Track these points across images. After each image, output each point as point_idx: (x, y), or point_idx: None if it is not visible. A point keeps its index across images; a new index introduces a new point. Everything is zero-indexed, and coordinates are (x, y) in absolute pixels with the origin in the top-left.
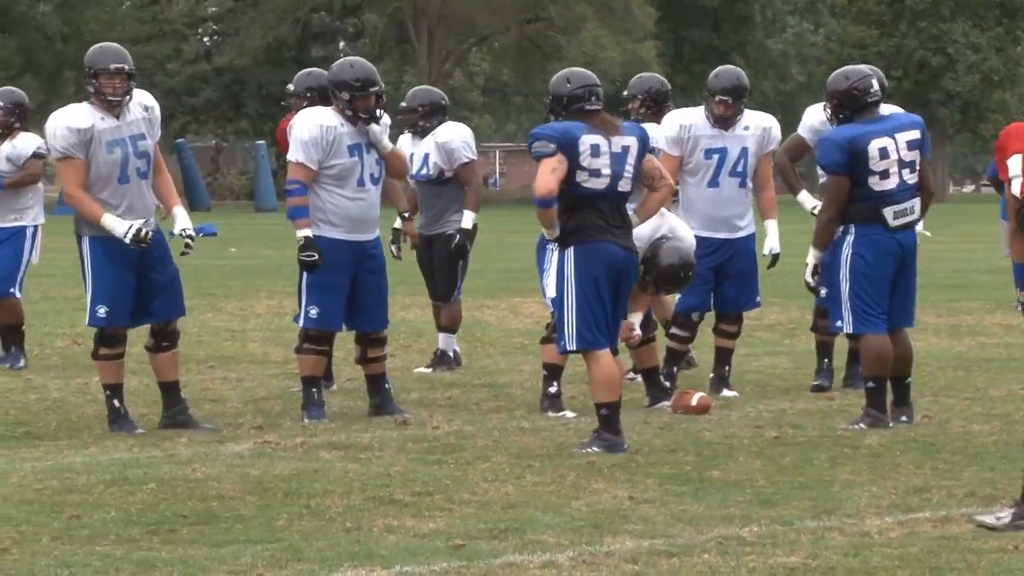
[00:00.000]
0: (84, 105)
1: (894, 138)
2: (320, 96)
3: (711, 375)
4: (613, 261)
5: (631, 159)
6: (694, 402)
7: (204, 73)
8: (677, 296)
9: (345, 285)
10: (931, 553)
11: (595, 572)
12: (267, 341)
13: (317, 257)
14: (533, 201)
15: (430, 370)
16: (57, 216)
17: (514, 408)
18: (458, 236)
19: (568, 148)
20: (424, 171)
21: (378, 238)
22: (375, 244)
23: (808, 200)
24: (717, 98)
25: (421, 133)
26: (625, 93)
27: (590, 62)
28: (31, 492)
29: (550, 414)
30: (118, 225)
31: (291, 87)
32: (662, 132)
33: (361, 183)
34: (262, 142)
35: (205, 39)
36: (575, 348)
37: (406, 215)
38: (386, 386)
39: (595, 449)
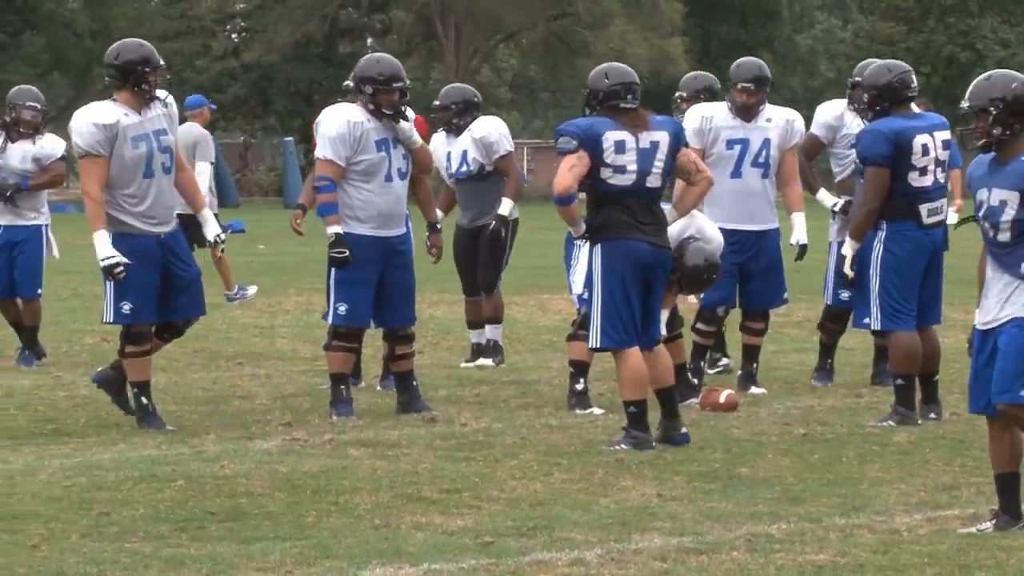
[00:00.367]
0: (107, 102)
1: (933, 136)
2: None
3: (739, 372)
4: (641, 258)
5: (661, 154)
6: (722, 399)
7: (232, 69)
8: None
9: (373, 281)
10: (960, 550)
11: (623, 570)
12: (296, 338)
13: (348, 253)
14: (552, 199)
15: (474, 363)
16: (83, 215)
17: (542, 405)
18: (494, 222)
19: (591, 145)
20: (464, 168)
21: (406, 234)
22: (403, 240)
23: (828, 198)
24: (740, 86)
25: (455, 131)
26: (678, 94)
27: (618, 58)
28: (60, 489)
29: (578, 411)
30: (103, 248)
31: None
32: (685, 124)
33: (388, 178)
34: (290, 138)
35: (233, 35)
36: (600, 346)
37: (438, 226)
38: (414, 383)
39: (623, 447)
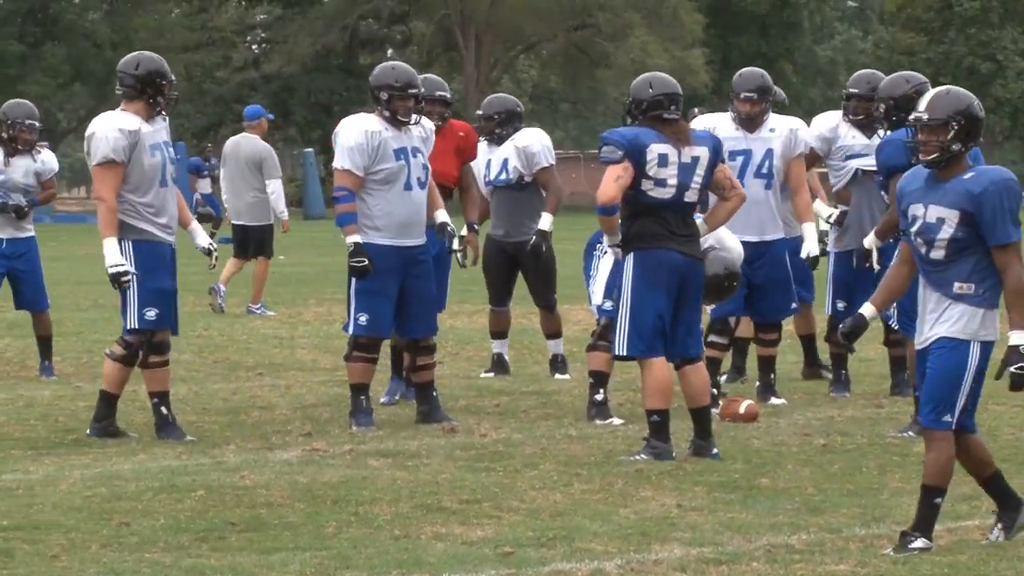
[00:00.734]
0: (123, 111)
1: None
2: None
3: (757, 383)
4: (674, 268)
5: (700, 169)
6: (742, 410)
7: (252, 81)
8: None
9: (393, 291)
10: (980, 561)
11: None
12: (316, 348)
13: (367, 263)
14: (595, 208)
15: (564, 376)
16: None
17: (562, 416)
18: (534, 237)
19: (635, 156)
20: (503, 176)
21: (426, 244)
22: (423, 250)
23: (824, 209)
24: (743, 95)
25: (497, 140)
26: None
27: (638, 69)
28: (80, 499)
29: (597, 422)
30: (113, 255)
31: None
32: None
33: (408, 187)
34: (310, 150)
35: (254, 47)
36: (626, 354)
37: (475, 227)
38: (434, 394)
39: (643, 456)
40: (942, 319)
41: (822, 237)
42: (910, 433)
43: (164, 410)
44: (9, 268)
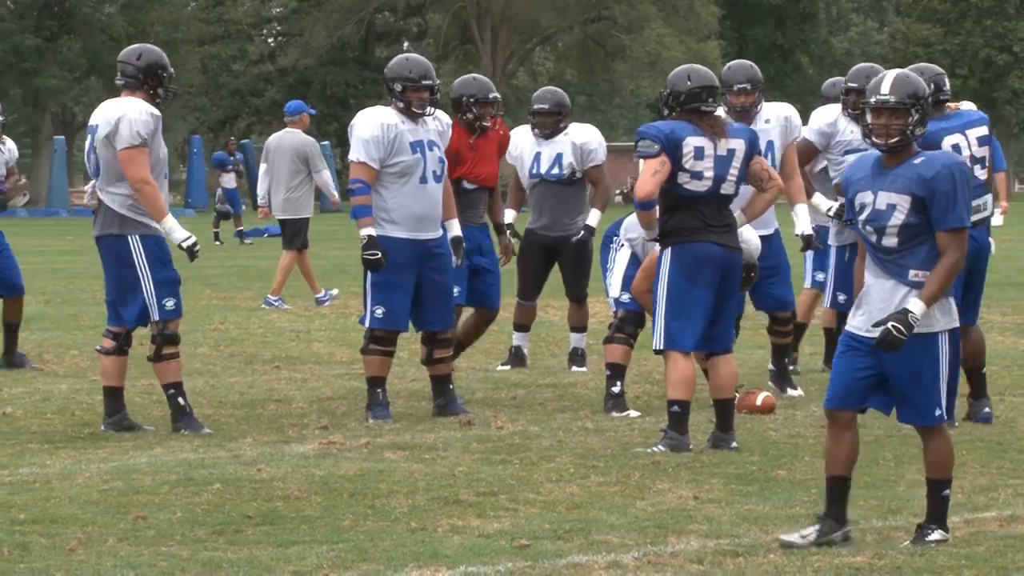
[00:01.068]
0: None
1: (965, 135)
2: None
3: (770, 368)
4: (713, 260)
5: (737, 162)
6: (759, 402)
7: (268, 74)
8: None
9: (410, 284)
10: (997, 552)
11: (660, 572)
12: (332, 341)
13: (380, 255)
14: (633, 203)
15: (582, 369)
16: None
17: (579, 408)
18: (583, 232)
19: (672, 150)
20: (555, 170)
21: (442, 237)
22: (439, 243)
23: (823, 202)
24: (736, 88)
25: (550, 134)
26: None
27: (653, 61)
28: (97, 493)
29: (614, 414)
30: (178, 231)
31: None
32: None
33: (423, 180)
34: (326, 143)
35: (269, 40)
36: (662, 347)
37: (511, 226)
38: (450, 386)
39: (661, 448)
40: (900, 308)
41: (823, 238)
42: None
43: (182, 400)
44: None
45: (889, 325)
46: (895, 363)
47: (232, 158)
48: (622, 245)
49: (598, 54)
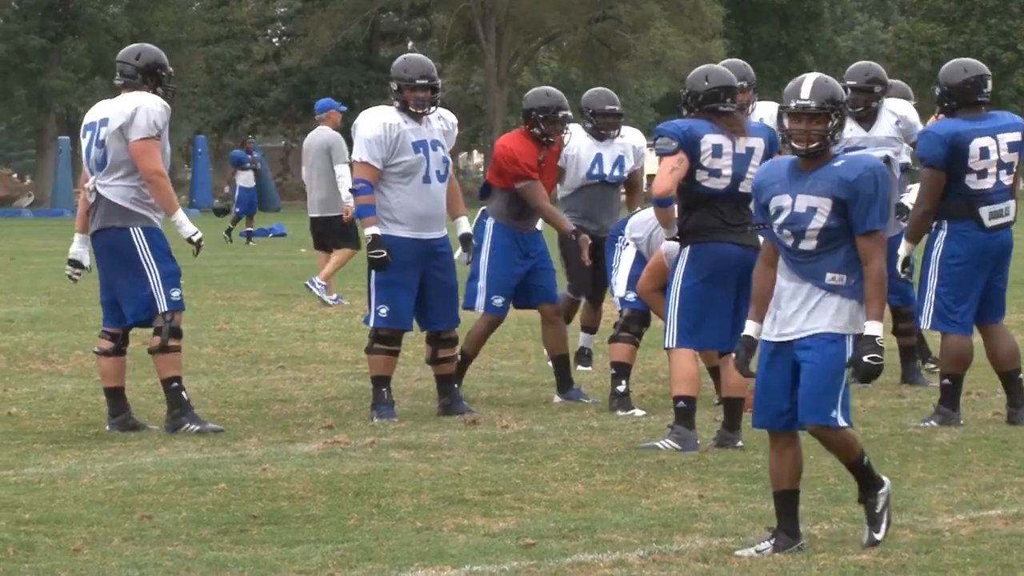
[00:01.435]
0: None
1: (996, 138)
2: None
3: None
4: (731, 260)
5: (756, 160)
6: None
7: (273, 74)
8: None
9: (414, 284)
10: (1003, 550)
11: (665, 571)
12: (337, 341)
13: (385, 255)
14: (651, 201)
15: (587, 368)
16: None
17: (583, 407)
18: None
19: (690, 147)
20: (616, 172)
21: (446, 236)
22: (443, 243)
23: None
24: None
25: (609, 136)
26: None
27: (658, 60)
28: (102, 493)
29: (619, 412)
30: (188, 225)
31: None
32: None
33: (427, 179)
34: None
35: (274, 40)
36: (674, 345)
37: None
38: (455, 386)
39: (667, 443)
40: (817, 312)
41: None
42: (932, 423)
43: (185, 394)
44: None
45: (864, 360)
46: (813, 360)
47: (250, 156)
48: (627, 244)
49: (602, 53)
